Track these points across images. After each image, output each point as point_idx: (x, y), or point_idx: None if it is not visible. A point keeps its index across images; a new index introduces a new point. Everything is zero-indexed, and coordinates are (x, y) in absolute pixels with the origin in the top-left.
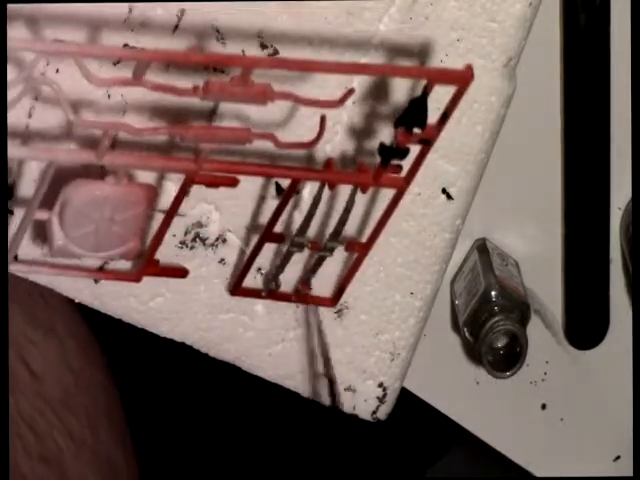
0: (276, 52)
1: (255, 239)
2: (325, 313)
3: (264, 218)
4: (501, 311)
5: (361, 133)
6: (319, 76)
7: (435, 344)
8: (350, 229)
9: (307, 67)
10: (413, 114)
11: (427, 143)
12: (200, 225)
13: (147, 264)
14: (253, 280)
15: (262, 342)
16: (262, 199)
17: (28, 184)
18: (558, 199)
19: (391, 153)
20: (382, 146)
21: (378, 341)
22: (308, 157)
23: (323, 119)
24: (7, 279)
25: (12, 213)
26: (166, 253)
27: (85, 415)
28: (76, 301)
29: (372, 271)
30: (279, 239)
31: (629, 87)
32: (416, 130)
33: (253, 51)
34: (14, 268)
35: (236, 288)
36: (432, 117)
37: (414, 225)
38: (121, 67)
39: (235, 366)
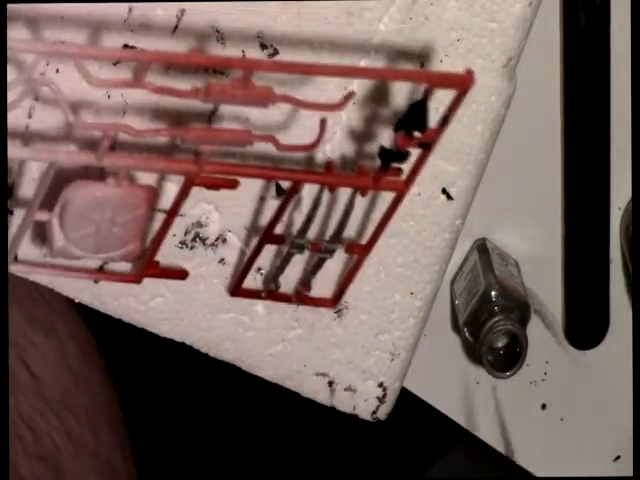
0: (276, 52)
1: (255, 239)
2: (325, 313)
3: (264, 218)
4: (501, 311)
5: (361, 135)
6: (319, 78)
7: (435, 344)
8: (350, 231)
9: (308, 70)
10: (413, 118)
11: (427, 147)
12: (200, 225)
13: (147, 265)
14: (253, 280)
15: (262, 342)
16: (262, 199)
17: (28, 184)
18: (558, 199)
19: (391, 156)
20: (382, 149)
21: (378, 341)
22: (308, 159)
23: (323, 122)
24: (7, 279)
25: (12, 213)
26: (166, 253)
27: (85, 416)
28: (76, 301)
29: (372, 271)
30: (279, 241)
31: (629, 87)
32: (416, 134)
33: (253, 51)
34: (14, 268)
35: (236, 289)
36: (432, 118)
37: (414, 225)
38: (121, 67)
39: (235, 366)
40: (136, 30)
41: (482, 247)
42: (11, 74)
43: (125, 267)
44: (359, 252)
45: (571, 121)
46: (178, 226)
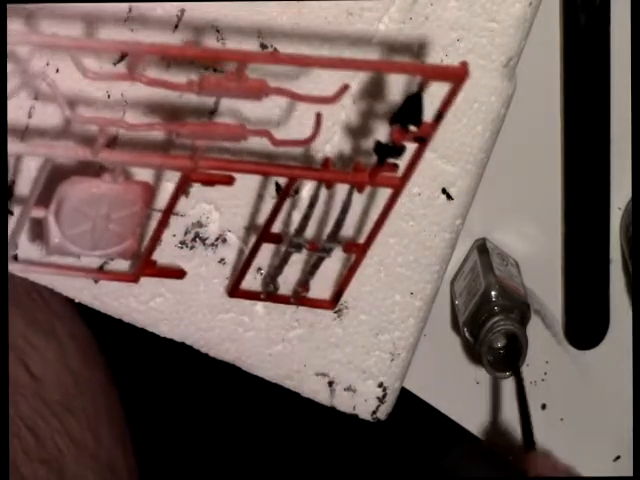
0: (276, 52)
1: (255, 239)
2: (325, 313)
3: (264, 218)
4: (501, 311)
5: (360, 132)
6: (316, 74)
7: (435, 344)
8: (349, 230)
9: (301, 62)
10: (408, 111)
11: (423, 141)
12: (200, 225)
13: (144, 265)
14: (253, 280)
15: (262, 342)
16: (262, 199)
17: (25, 183)
18: (558, 199)
19: (387, 151)
20: (378, 144)
21: (378, 341)
22: (306, 156)
23: (319, 116)
24: (7, 279)
25: (12, 214)
26: (166, 253)
27: (85, 417)
28: (76, 301)
29: (372, 271)
30: (277, 240)
31: (629, 87)
32: (412, 128)
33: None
34: (14, 268)
35: (234, 289)
36: (427, 112)
37: (414, 225)
38: (120, 67)
39: (235, 366)
40: (136, 30)
41: (482, 247)
42: (8, 66)
43: (123, 266)
44: (357, 251)
45: (571, 121)
46: (178, 226)
